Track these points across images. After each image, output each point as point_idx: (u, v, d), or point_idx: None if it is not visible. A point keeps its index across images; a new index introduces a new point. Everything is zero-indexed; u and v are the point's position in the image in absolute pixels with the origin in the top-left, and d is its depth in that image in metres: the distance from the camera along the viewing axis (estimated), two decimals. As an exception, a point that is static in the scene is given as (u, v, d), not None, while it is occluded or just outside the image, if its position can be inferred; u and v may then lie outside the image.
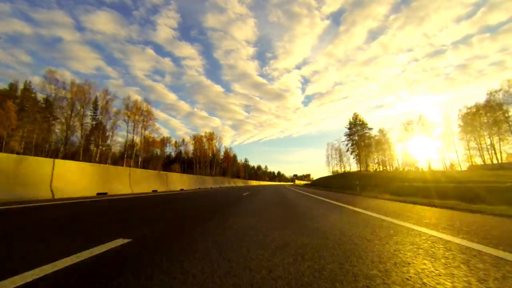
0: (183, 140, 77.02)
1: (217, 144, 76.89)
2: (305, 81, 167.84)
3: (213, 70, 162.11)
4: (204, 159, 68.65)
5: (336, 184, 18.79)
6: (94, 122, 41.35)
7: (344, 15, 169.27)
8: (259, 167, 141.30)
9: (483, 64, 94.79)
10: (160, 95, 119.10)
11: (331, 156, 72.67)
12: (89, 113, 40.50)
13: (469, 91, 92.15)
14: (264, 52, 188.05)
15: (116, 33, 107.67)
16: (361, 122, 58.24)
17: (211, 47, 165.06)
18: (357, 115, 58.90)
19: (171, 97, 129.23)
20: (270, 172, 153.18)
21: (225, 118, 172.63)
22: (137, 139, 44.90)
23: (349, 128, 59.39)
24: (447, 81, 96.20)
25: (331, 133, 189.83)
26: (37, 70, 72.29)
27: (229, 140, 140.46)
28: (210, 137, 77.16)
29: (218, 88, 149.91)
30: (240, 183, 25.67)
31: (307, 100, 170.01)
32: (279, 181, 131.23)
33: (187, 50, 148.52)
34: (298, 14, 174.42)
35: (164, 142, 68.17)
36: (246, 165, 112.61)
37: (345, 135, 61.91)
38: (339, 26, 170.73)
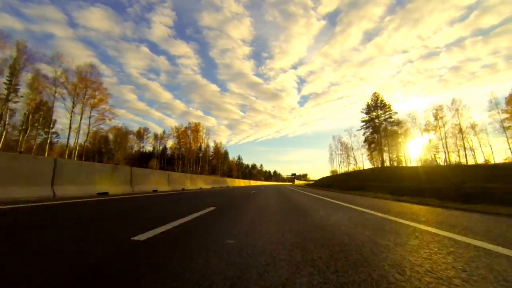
0: (164, 132, 66.01)
1: (204, 137, 67.23)
2: (301, 81, 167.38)
3: (209, 69, 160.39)
4: (189, 155, 61.32)
5: (350, 185, 17.38)
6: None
7: (340, 15, 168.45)
8: (253, 166, 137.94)
9: (475, 66, 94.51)
10: (155, 93, 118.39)
11: (336, 152, 65.59)
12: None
13: (461, 93, 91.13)
14: (260, 52, 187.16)
15: (110, 30, 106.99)
16: (383, 104, 46.12)
17: (207, 46, 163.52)
18: (378, 95, 47.15)
19: (166, 96, 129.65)
20: (266, 171, 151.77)
21: (221, 118, 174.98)
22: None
23: (366, 113, 48.18)
24: (440, 83, 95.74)
25: (327, 134, 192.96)
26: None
27: (225, 140, 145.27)
28: (196, 128, 64.97)
29: (214, 87, 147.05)
30: (229, 183, 24.00)
31: (303, 100, 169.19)
32: (276, 181, 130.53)
33: (182, 48, 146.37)
34: (294, 14, 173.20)
35: (141, 134, 62.59)
36: (239, 164, 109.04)
37: (362, 122, 49.78)
38: (335, 26, 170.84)
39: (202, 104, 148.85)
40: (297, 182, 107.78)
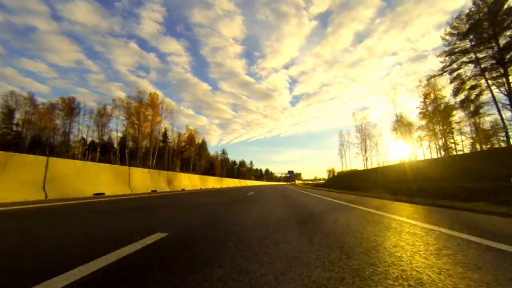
0: (104, 108, 45.81)
1: (163, 115, 45.83)
2: (293, 81, 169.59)
3: (200, 67, 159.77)
4: (143, 142, 42.95)
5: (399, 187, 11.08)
6: None
7: (331, 16, 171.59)
8: (242, 163, 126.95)
9: (460, 70, 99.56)
10: (145, 91, 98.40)
11: (347, 143, 51.14)
12: None
13: (447, 95, 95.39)
14: (252, 51, 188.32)
15: (96, 25, 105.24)
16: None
17: (198, 43, 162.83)
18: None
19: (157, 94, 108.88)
20: (257, 169, 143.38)
21: (212, 117, 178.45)
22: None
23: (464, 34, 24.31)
24: (428, 85, 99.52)
25: (319, 134, 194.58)
26: (10, 61, 69.79)
27: (216, 139, 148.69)
28: (152, 102, 43.59)
29: (205, 86, 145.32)
30: (211, 183, 19.62)
31: (295, 100, 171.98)
32: (268, 181, 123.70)
33: (173, 46, 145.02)
34: (286, 13, 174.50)
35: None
36: (224, 160, 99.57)
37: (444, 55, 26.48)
38: (327, 27, 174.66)
39: (193, 103, 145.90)
40: (298, 182, 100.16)
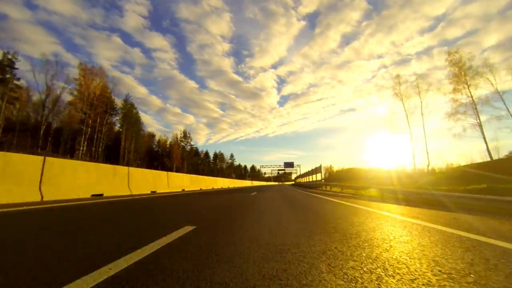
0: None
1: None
2: (281, 81, 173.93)
3: (187, 64, 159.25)
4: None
5: None
6: None
7: (320, 17, 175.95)
8: (218, 156, 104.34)
9: (441, 75, 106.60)
10: (129, 88, 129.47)
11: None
12: None
13: (429, 99, 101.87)
14: (240, 49, 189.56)
15: (76, 16, 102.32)
16: None
17: (184, 40, 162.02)
18: None
19: (142, 90, 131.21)
20: (240, 166, 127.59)
21: (200, 116, 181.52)
22: None
23: None
24: (411, 89, 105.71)
25: (307, 135, 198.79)
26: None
27: (204, 138, 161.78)
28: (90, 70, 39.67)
29: (192, 84, 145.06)
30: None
31: (283, 100, 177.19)
32: (252, 180, 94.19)
33: (158, 41, 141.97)
34: (275, 12, 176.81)
35: None
36: (189, 150, 78.64)
37: None
38: (315, 28, 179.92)
39: (180, 101, 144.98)
40: (299, 181, 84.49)
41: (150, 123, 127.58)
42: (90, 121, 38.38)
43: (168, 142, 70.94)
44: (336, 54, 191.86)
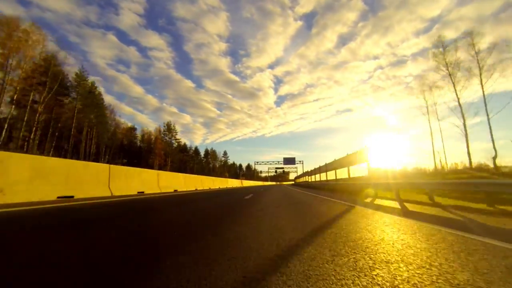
0: None
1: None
2: (278, 81, 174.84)
3: (184, 64, 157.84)
4: None
5: None
6: None
7: (316, 17, 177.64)
8: (210, 153, 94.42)
9: (436, 76, 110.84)
10: (124, 87, 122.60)
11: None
12: None
13: (423, 101, 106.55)
14: (237, 49, 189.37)
15: (70, 13, 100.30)
16: None
17: (181, 39, 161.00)
18: None
19: (138, 90, 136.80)
20: (234, 164, 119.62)
21: (196, 115, 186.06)
22: None
23: None
24: (406, 90, 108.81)
25: (304, 135, 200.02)
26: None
27: (200, 138, 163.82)
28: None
29: (189, 83, 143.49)
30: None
31: (280, 100, 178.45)
32: (243, 180, 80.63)
33: (154, 40, 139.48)
34: (272, 12, 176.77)
35: None
36: (167, 142, 66.48)
37: None
38: (312, 28, 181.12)
39: (176, 100, 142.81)
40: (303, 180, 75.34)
41: (146, 123, 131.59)
42: (29, 101, 28.96)
43: (150, 136, 61.29)
44: (332, 54, 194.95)
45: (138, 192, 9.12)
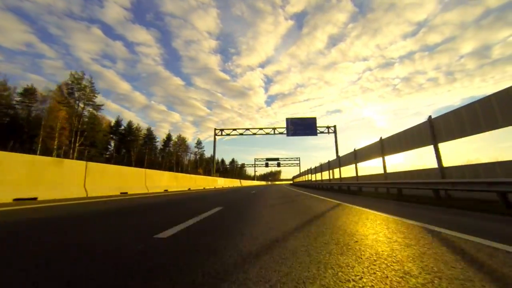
0: None
1: None
2: (268, 81, 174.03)
3: (172, 61, 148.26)
4: None
5: None
6: None
7: (307, 17, 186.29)
8: (172, 142, 68.10)
9: (422, 79, 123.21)
10: (110, 83, 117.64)
11: None
12: None
13: (411, 102, 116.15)
14: (227, 47, 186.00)
15: (50, 3, 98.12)
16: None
17: (169, 35, 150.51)
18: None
19: (124, 86, 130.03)
20: (217, 161, 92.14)
21: (186, 114, 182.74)
22: None
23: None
24: (394, 92, 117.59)
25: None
26: None
27: (190, 137, 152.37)
28: None
29: (178, 81, 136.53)
30: None
31: (270, 100, 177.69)
32: (231, 177, 43.67)
33: (142, 35, 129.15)
34: (262, 10, 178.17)
35: None
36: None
37: None
38: (302, 28, 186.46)
39: (165, 98, 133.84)
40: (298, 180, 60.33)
41: (134, 121, 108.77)
42: None
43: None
44: (323, 55, 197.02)
45: (120, 193, 8.25)
